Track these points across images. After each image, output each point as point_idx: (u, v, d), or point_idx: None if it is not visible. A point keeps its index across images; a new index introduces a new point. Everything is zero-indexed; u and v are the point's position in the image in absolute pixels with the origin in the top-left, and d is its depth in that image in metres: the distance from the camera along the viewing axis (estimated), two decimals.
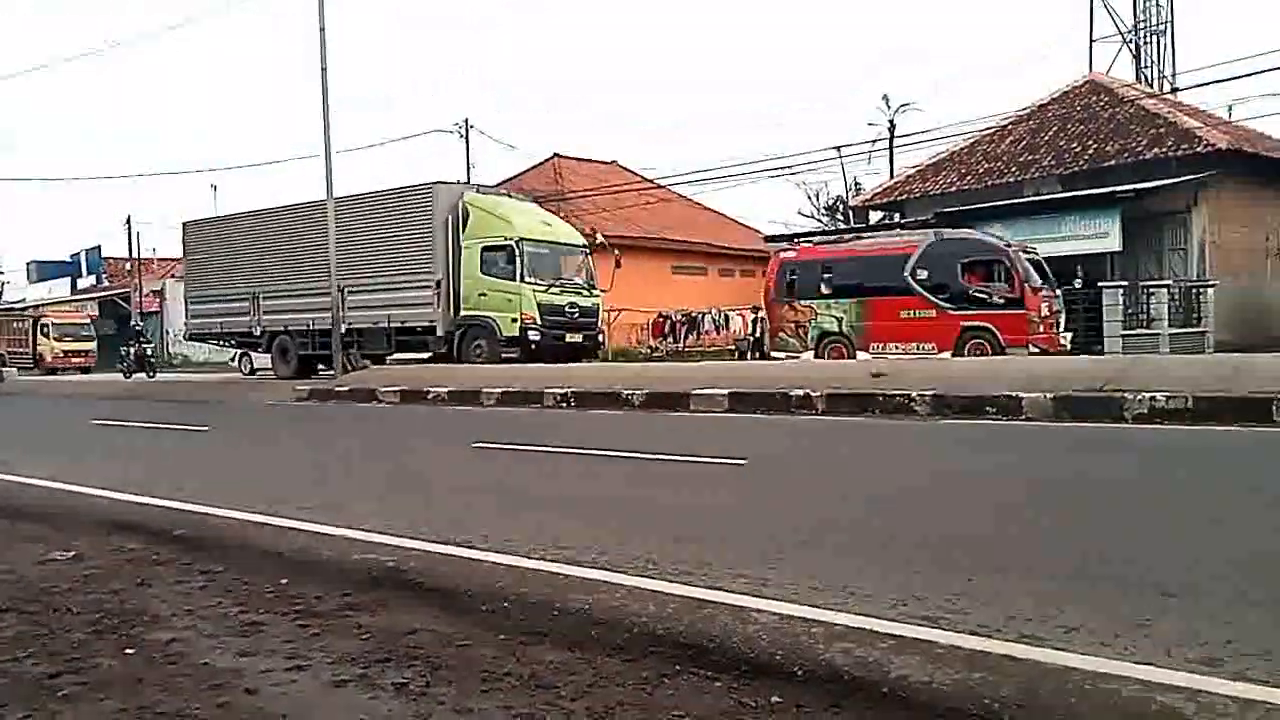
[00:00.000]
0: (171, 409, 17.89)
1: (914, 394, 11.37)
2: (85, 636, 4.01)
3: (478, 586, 4.56)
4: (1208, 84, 59.74)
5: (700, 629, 3.83)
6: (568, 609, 4.16)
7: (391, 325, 22.40)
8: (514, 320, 20.78)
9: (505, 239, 21.17)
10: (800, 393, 12.25)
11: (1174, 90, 32.37)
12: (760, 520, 6.00)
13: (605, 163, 40.69)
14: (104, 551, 5.53)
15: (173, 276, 42.55)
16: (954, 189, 27.89)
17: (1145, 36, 36.99)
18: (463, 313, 21.63)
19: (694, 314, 31.07)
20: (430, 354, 22.27)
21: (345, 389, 18.29)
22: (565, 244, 22.88)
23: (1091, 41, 38.27)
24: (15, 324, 43.11)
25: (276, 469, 9.61)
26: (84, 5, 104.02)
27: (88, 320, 43.17)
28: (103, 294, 44.15)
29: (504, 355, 20.57)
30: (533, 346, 20.65)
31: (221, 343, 29.17)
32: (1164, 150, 24.24)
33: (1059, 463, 8.16)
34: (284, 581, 4.74)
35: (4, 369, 35.80)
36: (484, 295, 21.23)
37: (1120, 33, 37.86)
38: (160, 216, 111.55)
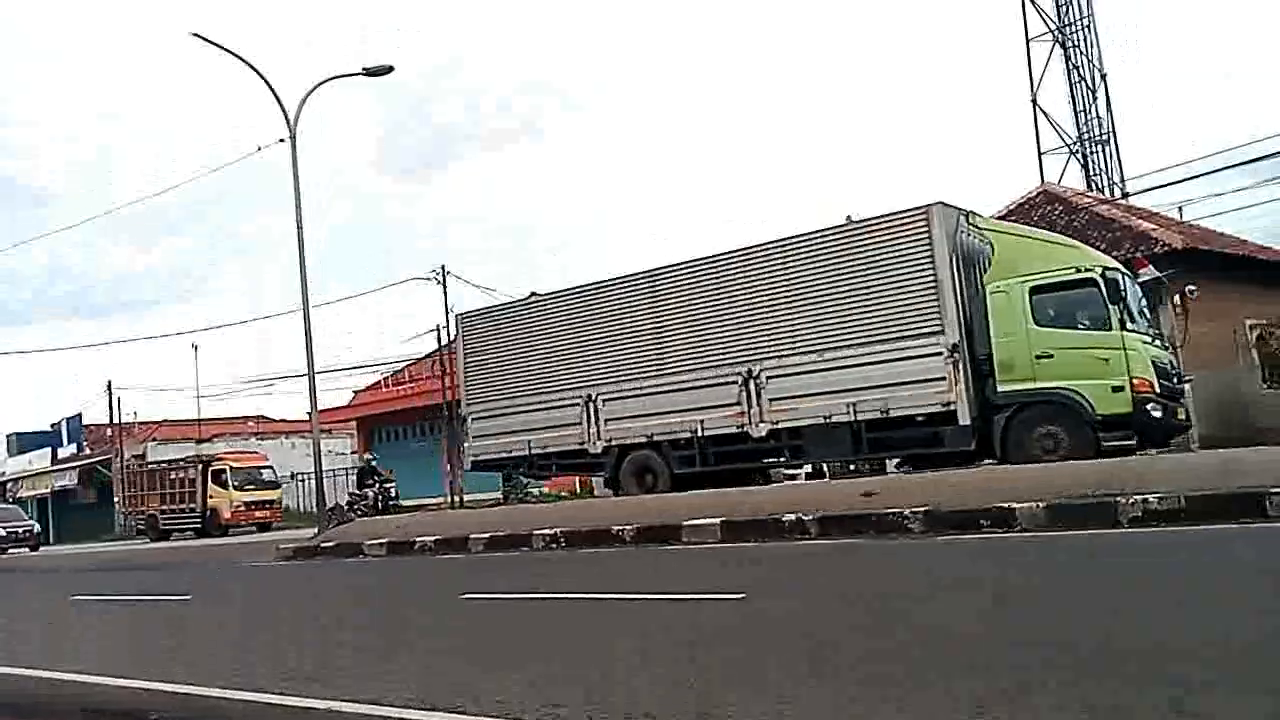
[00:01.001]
0: (152, 577, 17.45)
1: (906, 511, 11.29)
2: None
3: None
4: (1156, 187, 61.85)
5: None
6: None
7: (860, 417, 15.80)
8: (1116, 389, 14.12)
9: (1079, 272, 14.73)
10: (793, 518, 12.13)
11: (1125, 195, 33.66)
12: (766, 664, 5.83)
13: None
14: None
15: (154, 440, 42.31)
16: None
17: (1090, 146, 38.74)
18: (1005, 387, 14.94)
19: None
20: (943, 450, 15.41)
21: (330, 545, 17.97)
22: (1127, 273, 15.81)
23: (1040, 154, 39.98)
24: (175, 474, 33.24)
25: (260, 643, 9.31)
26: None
27: (269, 462, 34.93)
28: (84, 462, 43.69)
29: (1104, 443, 14.14)
30: (1151, 425, 14.42)
31: (524, 471, 21.62)
32: (1122, 254, 24.95)
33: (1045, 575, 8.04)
34: None
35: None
36: (1047, 357, 14.66)
37: (1066, 144, 39.64)
38: (139, 380, 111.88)
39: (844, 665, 5.51)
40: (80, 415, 45.75)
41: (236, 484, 31.98)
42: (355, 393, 39.80)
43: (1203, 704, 3.91)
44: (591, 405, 18.66)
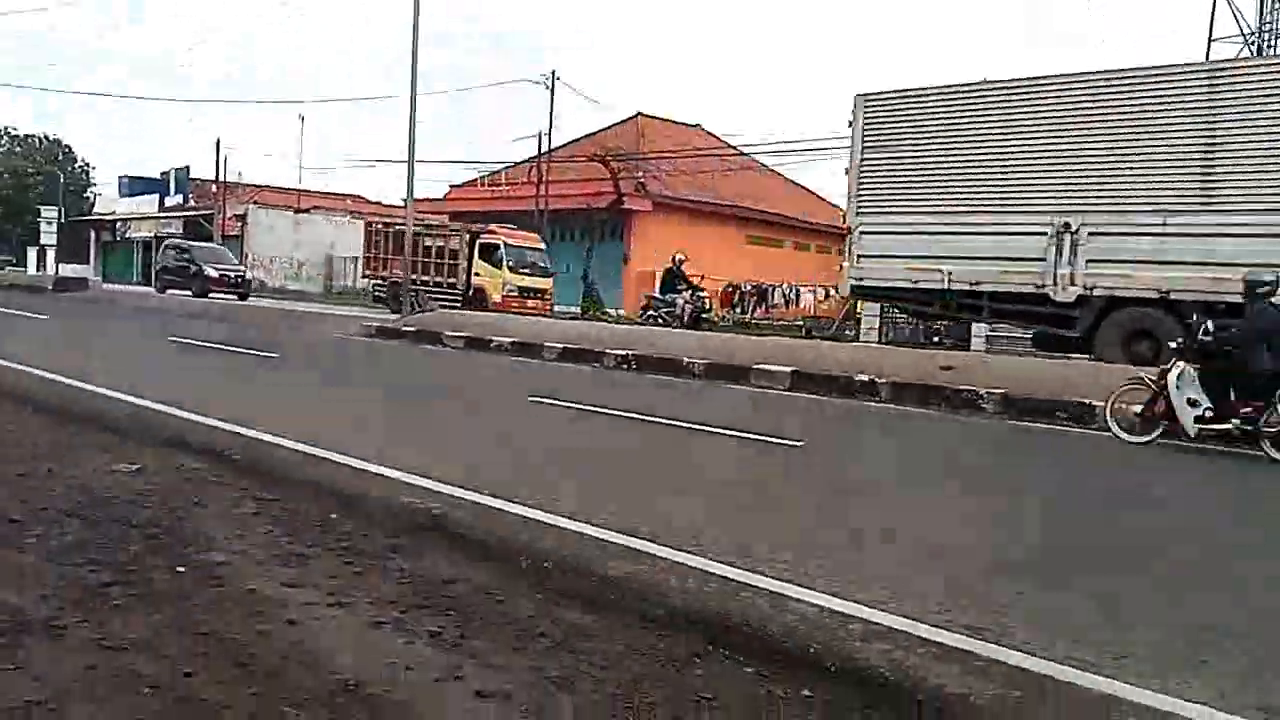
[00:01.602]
0: (244, 332, 18.35)
1: (982, 391, 11.10)
2: (140, 550, 4.14)
3: (520, 543, 4.58)
4: None
5: (737, 612, 3.79)
6: (607, 576, 4.16)
7: None
8: None
9: None
10: (865, 378, 12.05)
11: None
12: (811, 508, 5.92)
13: (689, 125, 40.24)
14: (167, 468, 5.70)
15: (255, 203, 43.56)
16: None
17: (1269, 41, 35.12)
18: None
19: (764, 286, 30.73)
20: None
21: (411, 329, 18.57)
22: None
23: (1210, 40, 36.47)
24: (432, 242, 27.74)
25: (338, 406, 9.78)
26: None
27: (544, 246, 28.66)
28: (189, 213, 45.34)
29: None
30: None
31: (930, 309, 16.92)
32: None
33: (1119, 477, 7.89)
34: (333, 516, 4.83)
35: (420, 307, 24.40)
36: None
37: (1243, 34, 35.99)
38: (246, 142, 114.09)
39: (886, 530, 5.56)
40: (188, 168, 47.19)
41: (511, 264, 26.64)
42: (452, 186, 40.08)
43: None
44: (1066, 237, 14.20)
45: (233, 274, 31.41)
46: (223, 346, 14.46)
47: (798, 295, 31.13)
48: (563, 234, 32.75)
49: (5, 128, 57.04)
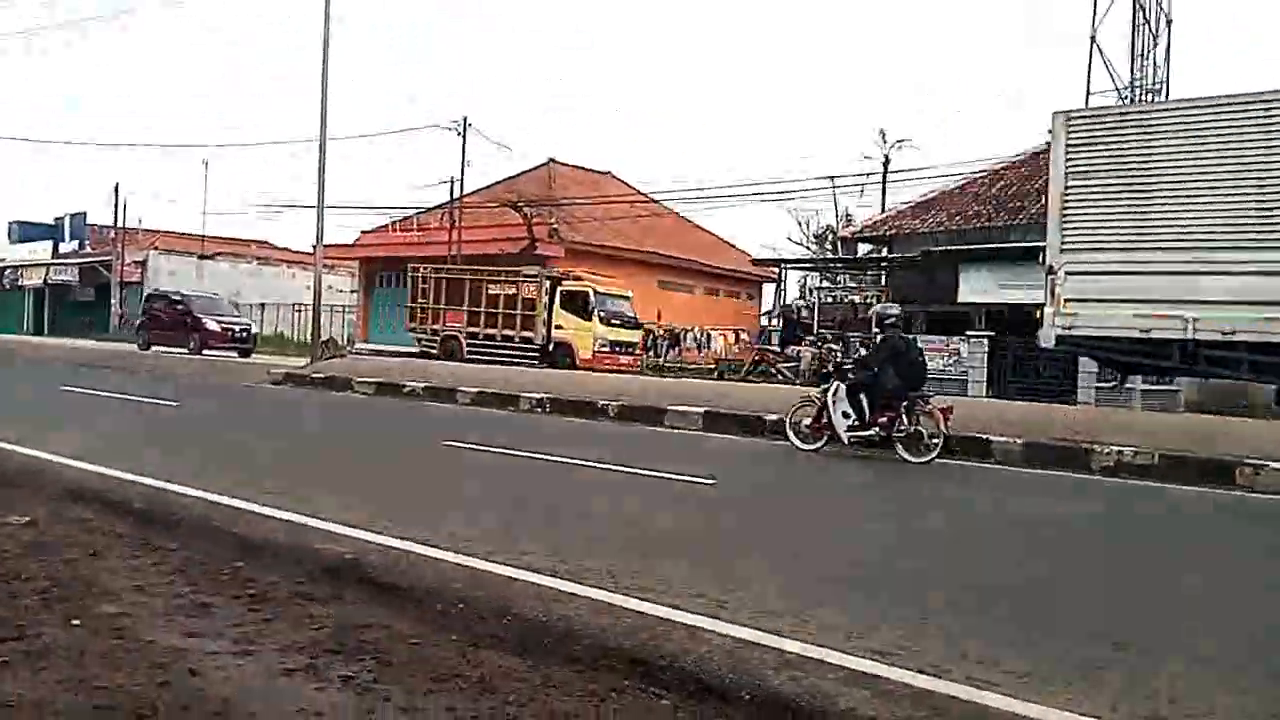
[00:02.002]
0: (142, 382, 17.68)
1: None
2: (33, 604, 3.95)
3: (433, 586, 4.54)
4: None
5: (653, 646, 3.82)
6: (522, 615, 4.14)
7: None
8: None
9: None
10: (773, 417, 12.29)
11: None
12: (725, 543, 6.01)
13: (600, 172, 40.76)
14: (62, 520, 5.46)
15: (155, 248, 42.20)
16: (942, 229, 28.13)
17: (1141, 94, 37.53)
18: None
19: (677, 330, 31.12)
20: None
21: (320, 375, 18.19)
22: None
23: (1089, 94, 38.76)
24: (501, 289, 24.67)
25: (243, 453, 9.51)
26: None
27: (630, 294, 26.19)
28: (84, 259, 43.63)
29: None
30: None
31: (1165, 364, 13.70)
32: None
33: (1006, 505, 8.23)
34: (239, 564, 4.70)
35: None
36: None
37: (1116, 88, 38.38)
38: (147, 187, 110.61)
39: (797, 560, 5.68)
40: (85, 214, 45.46)
41: (602, 315, 23.69)
42: (362, 232, 39.61)
43: None
44: None
45: (237, 328, 27.34)
46: (121, 396, 13.92)
47: (709, 339, 31.63)
48: None
49: None
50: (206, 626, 3.79)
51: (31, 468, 7.32)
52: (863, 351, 10.93)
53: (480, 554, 5.11)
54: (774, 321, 30.82)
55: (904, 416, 10.11)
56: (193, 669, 3.34)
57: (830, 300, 33.41)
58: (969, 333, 21.76)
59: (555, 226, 31.78)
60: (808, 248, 49.70)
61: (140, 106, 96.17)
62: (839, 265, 33.39)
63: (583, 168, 40.27)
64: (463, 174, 33.35)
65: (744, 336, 33.33)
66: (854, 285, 33.39)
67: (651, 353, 30.03)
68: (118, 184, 41.81)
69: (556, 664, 3.60)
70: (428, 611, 4.17)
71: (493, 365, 21.09)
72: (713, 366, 28.38)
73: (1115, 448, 10.04)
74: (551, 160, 39.26)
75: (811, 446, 10.72)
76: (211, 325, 26.42)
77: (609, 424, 13.25)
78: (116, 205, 40.34)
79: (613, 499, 7.48)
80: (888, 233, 30.25)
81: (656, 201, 37.22)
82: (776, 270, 33.28)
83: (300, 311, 35.94)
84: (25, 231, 47.58)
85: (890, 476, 9.58)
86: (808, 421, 10.80)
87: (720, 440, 11.90)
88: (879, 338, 11.03)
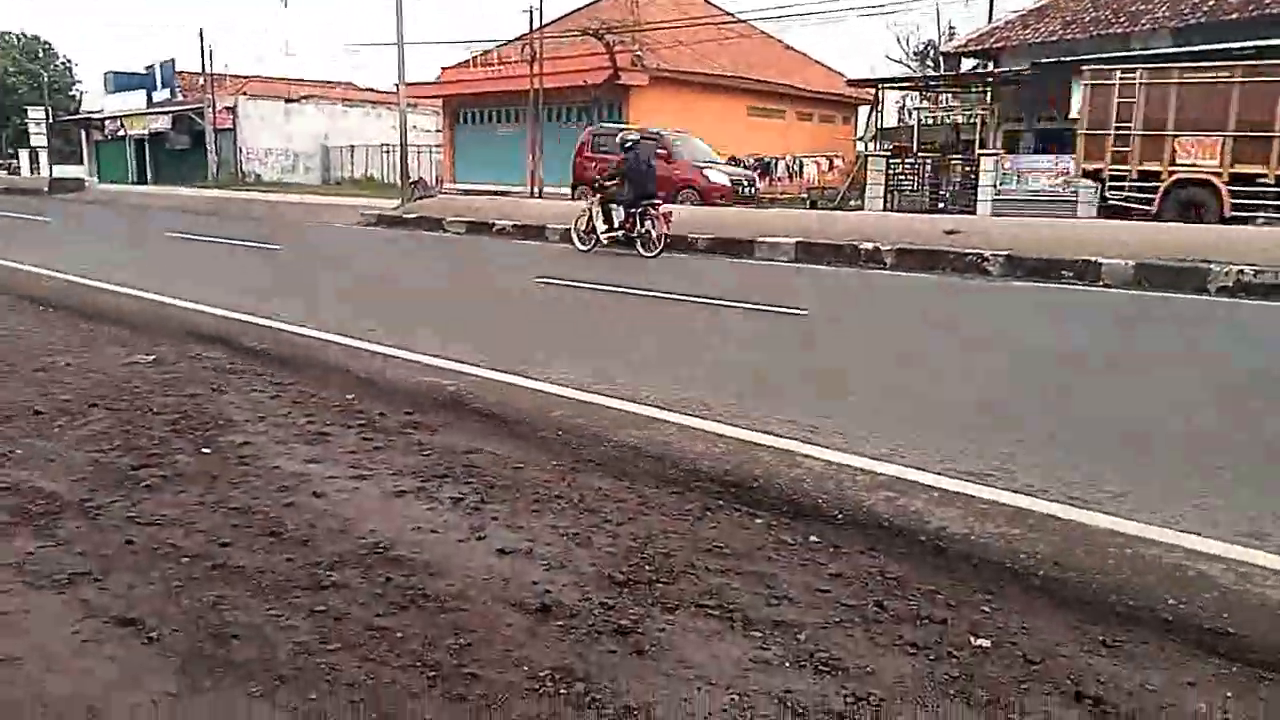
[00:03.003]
0: (243, 226, 18.23)
1: (987, 254, 11.06)
2: (165, 434, 4.26)
3: (534, 415, 4.70)
4: None
5: (746, 469, 3.91)
6: (619, 441, 4.28)
7: None
8: None
9: None
10: (869, 246, 12.00)
11: None
12: (816, 372, 6.01)
13: None
14: (183, 357, 5.80)
15: (244, 94, 42.51)
16: (1055, 38, 26.03)
17: None
18: None
19: (767, 159, 30.20)
20: None
21: (412, 217, 18.42)
22: None
23: None
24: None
25: (345, 294, 9.81)
26: None
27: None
28: (177, 108, 44.34)
29: None
30: None
31: None
32: None
33: (1122, 333, 7.95)
34: (350, 397, 4.94)
35: None
36: None
37: None
38: (230, 30, 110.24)
39: (890, 388, 5.66)
40: (173, 60, 45.77)
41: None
42: (443, 69, 38.97)
43: None
44: None
45: (744, 180, 21.57)
46: (223, 240, 14.42)
47: (801, 167, 30.61)
48: (558, 113, 32.02)
49: None
50: (324, 454, 4.04)
51: (150, 310, 7.73)
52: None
53: (577, 384, 5.25)
54: (870, 146, 29.54)
55: (639, 221, 12.64)
56: (315, 491, 3.58)
57: (930, 121, 31.73)
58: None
59: (639, 54, 30.64)
60: (908, 66, 46.90)
61: None
62: (940, 83, 31.47)
63: None
64: (541, 2, 32.13)
65: (838, 163, 32.15)
66: (956, 105, 31.54)
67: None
68: (202, 29, 41.84)
69: (652, 486, 3.73)
70: (529, 439, 4.34)
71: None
72: (804, 195, 27.62)
73: (1235, 267, 9.52)
74: None
75: (585, 247, 13.31)
76: (718, 178, 20.43)
77: (698, 256, 13.15)
78: (203, 51, 40.50)
79: (704, 331, 7.51)
80: (994, 45, 28.18)
81: (744, 21, 35.35)
82: (873, 91, 31.62)
83: (388, 153, 36.10)
84: (120, 81, 48.33)
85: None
86: (584, 227, 13.39)
87: (812, 270, 11.72)
88: (621, 159, 13.43)
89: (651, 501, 3.56)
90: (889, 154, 23.91)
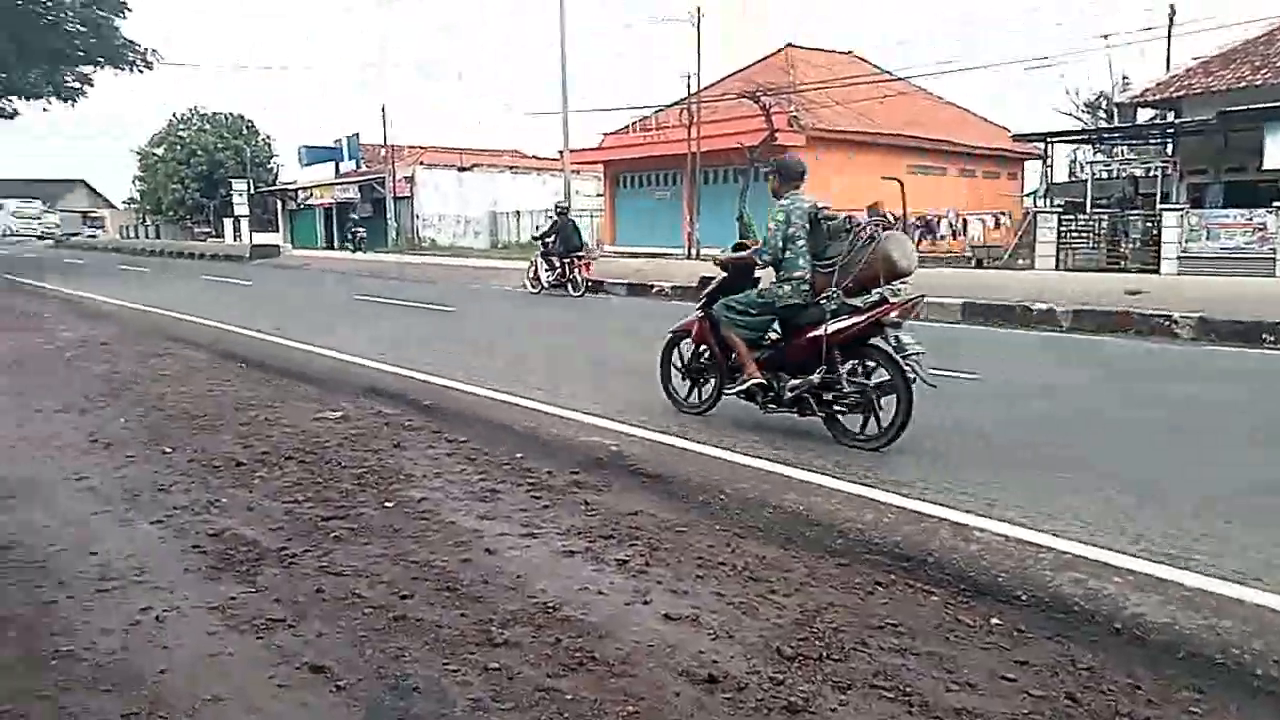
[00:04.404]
0: (420, 289, 19.28)
1: (1176, 315, 10.35)
2: (351, 487, 4.51)
3: (695, 477, 4.70)
4: None
5: (918, 542, 3.77)
6: (782, 508, 4.21)
7: None
8: None
9: None
10: (1042, 307, 11.47)
11: None
12: (989, 441, 5.75)
13: (841, 53, 38.75)
14: (366, 415, 6.15)
15: (421, 163, 45.34)
16: (1244, 84, 24.42)
17: None
18: None
19: (929, 217, 29.52)
20: None
21: None
22: None
23: None
24: None
25: (514, 355, 10.18)
26: None
27: None
28: (360, 178, 47.80)
29: None
30: None
31: None
32: None
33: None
34: (518, 455, 5.09)
35: None
36: None
37: None
38: (408, 104, 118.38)
39: (1075, 459, 5.33)
40: (358, 134, 49.54)
41: None
42: (605, 135, 40.42)
43: None
44: None
45: None
46: (403, 303, 15.30)
47: (965, 225, 29.73)
48: (716, 175, 32.49)
49: (195, 107, 61.50)
50: (496, 510, 4.17)
51: (336, 368, 8.26)
52: None
53: (737, 448, 5.22)
54: (1039, 202, 28.40)
55: (567, 269, 16.70)
56: (488, 548, 3.70)
57: (1105, 175, 30.23)
58: (1277, 204, 19.00)
59: (795, 114, 30.81)
60: (1078, 118, 45.06)
61: (405, 30, 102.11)
62: (1116, 135, 30.01)
63: (822, 49, 38.49)
64: (699, 67, 32.92)
65: (1004, 220, 31.06)
66: (1133, 157, 29.95)
67: None
68: (384, 105, 45.15)
69: (819, 556, 3.64)
70: (691, 502, 4.34)
71: None
72: (969, 254, 26.78)
73: None
74: (789, 45, 37.81)
75: (534, 291, 17.22)
76: None
77: None
78: (384, 124, 43.59)
79: None
80: (1175, 94, 26.69)
81: (901, 79, 34.98)
82: (1041, 145, 30.52)
83: (552, 217, 37.54)
84: (311, 154, 52.65)
85: None
86: (531, 275, 17.48)
87: (979, 331, 11.28)
88: (553, 221, 17.63)
89: (818, 572, 3.48)
90: (1060, 210, 22.88)
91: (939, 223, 29.09)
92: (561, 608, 3.14)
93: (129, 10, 25.68)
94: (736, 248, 6.13)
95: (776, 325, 5.72)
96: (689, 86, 31.21)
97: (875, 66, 37.17)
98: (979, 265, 23.54)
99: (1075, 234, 21.65)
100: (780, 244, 5.52)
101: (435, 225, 43.99)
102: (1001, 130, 36.59)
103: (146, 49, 26.66)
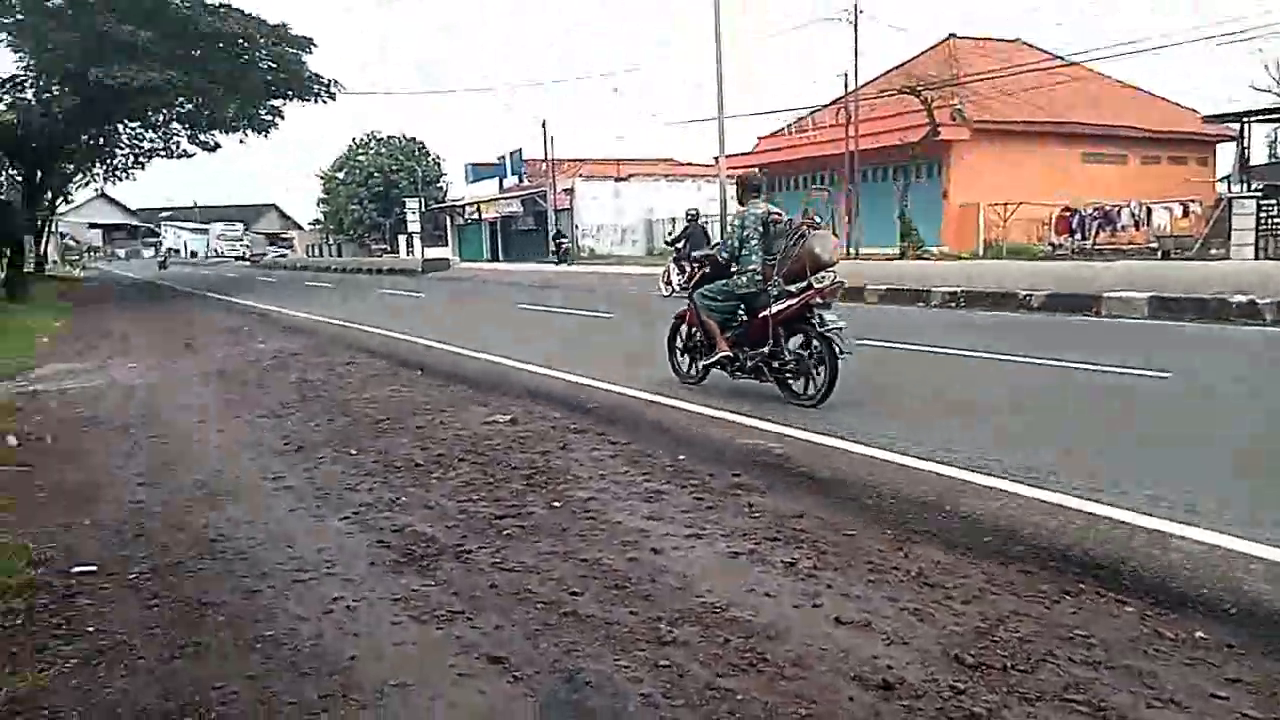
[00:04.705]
0: (580, 297, 19.72)
1: None
2: (521, 487, 4.66)
3: (862, 480, 4.58)
4: None
5: (1109, 550, 3.52)
6: (957, 512, 4.04)
7: None
8: None
9: None
10: (1242, 299, 10.54)
11: None
12: (1184, 442, 5.32)
13: (1007, 41, 36.97)
14: (533, 418, 6.34)
15: (580, 176, 46.48)
16: None
17: None
18: None
19: (1108, 207, 27.69)
20: None
21: None
22: None
23: None
24: None
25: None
26: None
27: None
28: (523, 193, 49.44)
29: None
30: None
31: None
32: None
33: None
34: (680, 457, 5.12)
35: None
36: None
37: None
38: (567, 117, 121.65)
39: None
40: (521, 150, 51.34)
41: None
42: (759, 138, 40.18)
43: None
44: None
45: None
46: (563, 310, 15.70)
47: (1149, 214, 27.68)
48: (875, 174, 31.67)
49: (372, 132, 65.50)
50: (660, 511, 4.20)
51: (502, 373, 8.56)
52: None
53: (905, 450, 5.05)
54: (1234, 187, 26.17)
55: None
56: (654, 548, 3.73)
57: None
58: None
59: (959, 107, 29.62)
60: (1278, 94, 41.21)
61: (563, 46, 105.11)
62: None
63: (987, 39, 36.85)
64: (856, 65, 32.19)
65: (1194, 209, 28.76)
66: None
67: (1078, 235, 27.13)
68: (545, 121, 46.59)
69: (998, 562, 3.47)
70: (858, 505, 4.23)
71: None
72: (1155, 245, 24.95)
73: None
74: (952, 35, 36.42)
75: (666, 294, 16.62)
76: None
77: (1034, 315, 12.27)
78: (545, 140, 44.96)
79: (1049, 394, 6.95)
80: None
81: (1074, 64, 32.99)
82: (1236, 126, 28.08)
83: (706, 223, 37.59)
84: (477, 172, 54.96)
85: None
86: (665, 279, 17.66)
87: (1172, 328, 10.48)
88: (685, 227, 18.55)
89: (998, 579, 3.31)
90: (1259, 194, 20.91)
91: (1119, 213, 27.21)
92: (729, 608, 3.13)
93: (315, 46, 27.52)
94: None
95: (742, 309, 6.92)
96: (846, 84, 30.60)
97: (1045, 52, 35.29)
98: (1165, 256, 21.92)
99: (1278, 220, 19.77)
100: (737, 244, 6.90)
101: (593, 235, 44.96)
102: (1188, 113, 34.00)
103: (330, 80, 28.48)
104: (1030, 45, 36.90)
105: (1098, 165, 32.23)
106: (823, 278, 6.37)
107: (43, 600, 3.43)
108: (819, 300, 6.37)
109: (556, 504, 4.36)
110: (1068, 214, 27.48)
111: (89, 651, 3.00)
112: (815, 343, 6.36)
